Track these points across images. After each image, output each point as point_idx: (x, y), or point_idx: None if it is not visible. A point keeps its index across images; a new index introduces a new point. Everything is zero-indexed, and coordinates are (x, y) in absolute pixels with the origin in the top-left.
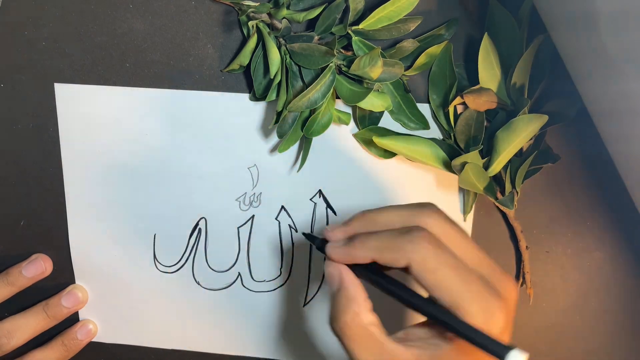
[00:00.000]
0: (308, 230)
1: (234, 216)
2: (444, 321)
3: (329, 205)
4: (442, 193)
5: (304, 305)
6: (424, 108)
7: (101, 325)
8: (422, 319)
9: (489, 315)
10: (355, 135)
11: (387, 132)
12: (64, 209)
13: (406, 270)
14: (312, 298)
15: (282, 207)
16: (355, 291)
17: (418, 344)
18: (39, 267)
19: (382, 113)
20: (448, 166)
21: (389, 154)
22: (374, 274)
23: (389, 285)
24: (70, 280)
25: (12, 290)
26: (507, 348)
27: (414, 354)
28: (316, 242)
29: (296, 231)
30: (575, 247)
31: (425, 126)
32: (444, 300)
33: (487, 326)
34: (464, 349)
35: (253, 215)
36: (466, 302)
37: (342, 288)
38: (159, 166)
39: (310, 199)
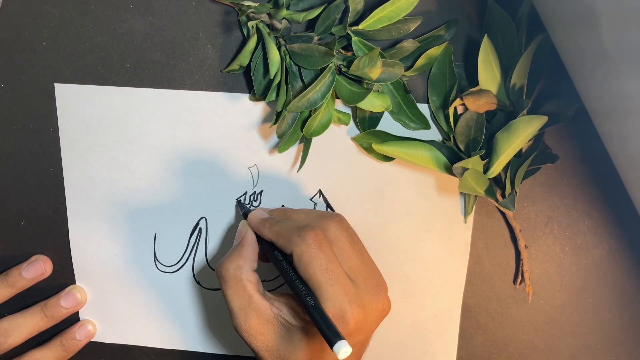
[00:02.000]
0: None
1: (235, 216)
2: (300, 298)
3: (328, 205)
4: (442, 193)
5: None
6: (424, 108)
7: (101, 325)
8: None
9: (339, 317)
10: (354, 139)
11: (386, 136)
12: (64, 209)
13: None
14: None
15: (282, 207)
16: (248, 251)
17: (282, 307)
18: (38, 268)
19: (382, 113)
20: (448, 169)
21: (388, 157)
22: (272, 251)
23: (277, 262)
24: (70, 280)
25: (11, 292)
26: (339, 337)
27: (273, 312)
28: (243, 210)
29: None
30: (573, 245)
31: (426, 126)
32: (310, 292)
33: (336, 324)
34: (311, 331)
35: None
36: (323, 299)
37: (240, 244)
38: (159, 166)
39: (310, 199)
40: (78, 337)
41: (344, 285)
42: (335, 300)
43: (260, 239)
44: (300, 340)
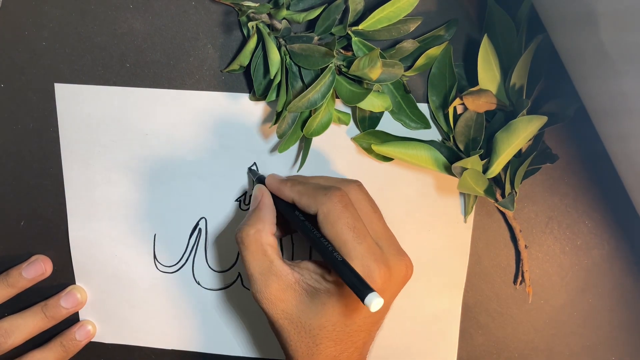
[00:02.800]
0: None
1: (234, 216)
2: (326, 255)
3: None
4: (442, 193)
5: None
6: (424, 108)
7: (101, 325)
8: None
9: (367, 275)
10: (354, 140)
11: (385, 136)
12: (63, 209)
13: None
14: None
15: None
16: (267, 214)
17: (303, 272)
18: (38, 268)
19: (382, 113)
20: (447, 169)
21: (388, 157)
22: (293, 212)
23: (299, 222)
24: (70, 280)
25: (12, 292)
26: (370, 289)
27: (295, 277)
28: (256, 175)
29: (296, 231)
30: (573, 245)
31: (427, 125)
32: (336, 251)
33: None
34: (337, 292)
35: None
36: (350, 257)
37: (258, 208)
38: (159, 166)
39: None
40: (78, 337)
41: (370, 244)
42: (363, 258)
43: (278, 201)
44: (324, 304)
